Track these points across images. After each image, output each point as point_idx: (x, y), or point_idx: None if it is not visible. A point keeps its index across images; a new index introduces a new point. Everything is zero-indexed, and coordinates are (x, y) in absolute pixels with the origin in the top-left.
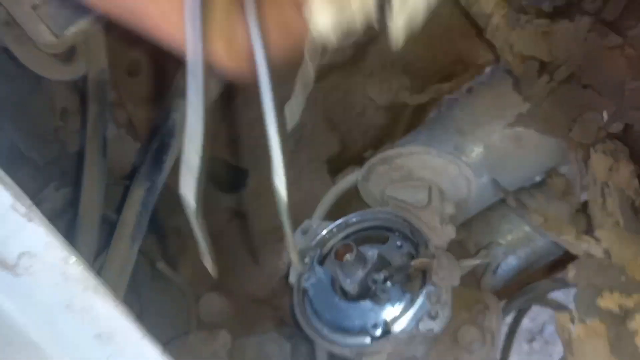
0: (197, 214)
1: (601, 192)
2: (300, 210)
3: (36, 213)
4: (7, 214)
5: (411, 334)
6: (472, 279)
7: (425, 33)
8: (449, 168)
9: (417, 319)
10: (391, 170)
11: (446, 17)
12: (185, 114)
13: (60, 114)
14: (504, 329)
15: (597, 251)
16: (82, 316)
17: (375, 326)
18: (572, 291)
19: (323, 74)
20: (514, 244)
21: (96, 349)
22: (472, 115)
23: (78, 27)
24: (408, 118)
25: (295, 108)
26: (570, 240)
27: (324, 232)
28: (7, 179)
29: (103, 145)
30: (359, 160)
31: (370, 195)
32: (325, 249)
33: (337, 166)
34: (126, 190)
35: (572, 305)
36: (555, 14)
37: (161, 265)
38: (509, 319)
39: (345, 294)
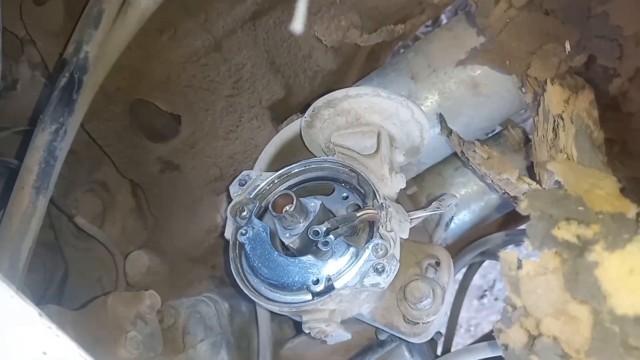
0: None
1: (553, 126)
2: (239, 161)
3: None
4: None
5: (355, 290)
6: (423, 233)
7: None
8: (400, 112)
9: (362, 274)
10: (337, 115)
11: None
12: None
13: None
14: (454, 286)
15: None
16: None
17: (316, 282)
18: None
19: (264, 9)
20: (468, 198)
21: None
22: (427, 60)
23: None
24: (360, 64)
25: None
26: (511, 179)
27: (264, 183)
28: None
29: None
30: (305, 108)
31: (315, 144)
32: (265, 202)
33: (281, 114)
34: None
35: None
36: None
37: (81, 221)
38: (459, 275)
39: (285, 249)
